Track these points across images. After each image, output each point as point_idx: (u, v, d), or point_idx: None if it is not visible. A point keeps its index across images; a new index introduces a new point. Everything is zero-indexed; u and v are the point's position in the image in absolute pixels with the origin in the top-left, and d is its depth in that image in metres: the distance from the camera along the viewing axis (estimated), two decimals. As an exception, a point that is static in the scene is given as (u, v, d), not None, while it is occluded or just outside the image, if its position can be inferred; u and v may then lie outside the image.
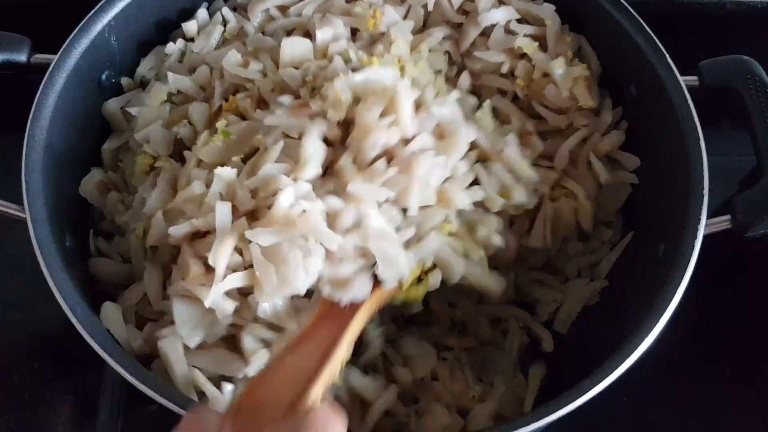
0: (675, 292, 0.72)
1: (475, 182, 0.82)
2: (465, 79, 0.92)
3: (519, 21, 0.92)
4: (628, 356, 0.69)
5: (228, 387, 0.73)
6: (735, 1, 1.06)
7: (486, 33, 0.92)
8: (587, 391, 0.67)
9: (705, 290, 0.76)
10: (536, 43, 0.90)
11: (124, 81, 0.93)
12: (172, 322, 0.73)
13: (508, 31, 0.92)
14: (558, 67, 0.88)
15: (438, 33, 0.92)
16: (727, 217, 0.78)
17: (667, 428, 0.91)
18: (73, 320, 0.70)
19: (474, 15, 0.91)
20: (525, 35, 0.91)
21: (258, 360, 0.73)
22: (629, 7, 0.88)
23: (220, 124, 0.81)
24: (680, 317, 0.72)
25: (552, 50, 0.91)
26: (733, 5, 1.06)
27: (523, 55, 0.91)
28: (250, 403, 0.59)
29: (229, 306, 0.72)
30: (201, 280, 0.72)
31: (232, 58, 0.88)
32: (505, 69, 0.91)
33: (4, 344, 0.94)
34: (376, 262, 0.72)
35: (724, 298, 0.97)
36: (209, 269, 0.72)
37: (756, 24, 1.08)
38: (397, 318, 0.87)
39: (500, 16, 0.91)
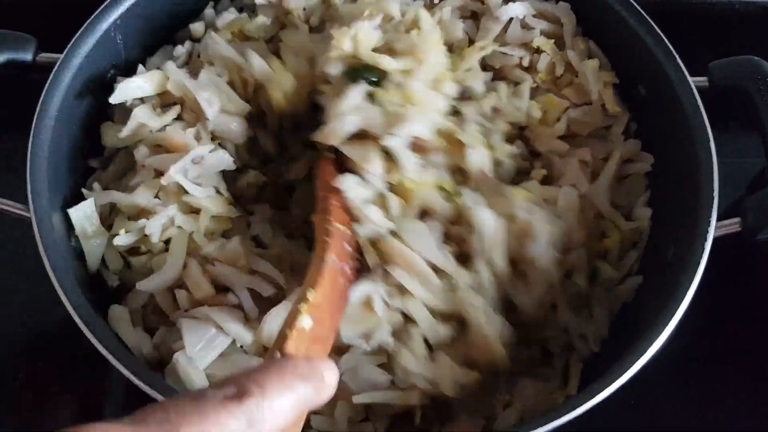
0: (685, 294, 0.72)
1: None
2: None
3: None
4: (638, 359, 0.69)
5: None
6: (744, 2, 1.06)
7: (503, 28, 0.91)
8: (597, 395, 0.67)
9: (713, 292, 0.76)
10: (552, 41, 0.90)
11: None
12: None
13: (524, 26, 0.91)
14: (591, 68, 0.87)
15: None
16: (737, 219, 0.78)
17: (674, 429, 0.90)
18: (78, 321, 0.69)
19: (490, 11, 0.91)
20: (540, 32, 0.91)
21: None
22: (638, 7, 0.88)
23: None
24: (688, 319, 0.72)
25: (569, 46, 0.91)
26: (742, 5, 1.06)
27: (540, 49, 0.91)
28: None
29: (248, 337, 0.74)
30: (212, 301, 0.73)
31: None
32: (525, 62, 0.90)
33: (8, 344, 0.93)
34: None
35: (732, 300, 0.96)
36: (219, 288, 0.75)
37: (765, 24, 1.07)
38: None
39: (519, 10, 0.90)
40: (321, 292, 0.64)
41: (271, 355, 0.58)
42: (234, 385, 0.46)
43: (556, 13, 0.92)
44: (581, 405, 0.67)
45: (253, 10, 0.95)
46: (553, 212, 0.79)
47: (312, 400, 0.50)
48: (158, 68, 0.86)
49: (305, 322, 0.60)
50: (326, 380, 0.51)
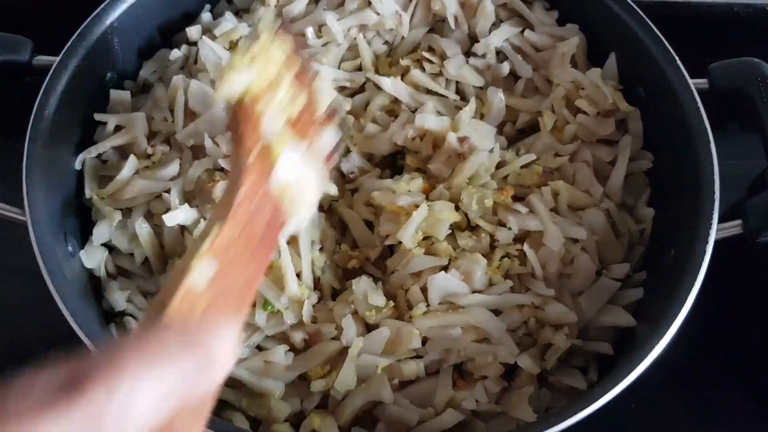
0: (686, 297, 0.71)
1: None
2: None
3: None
4: (639, 363, 0.68)
5: None
6: (743, 4, 1.06)
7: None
8: (597, 399, 0.66)
9: (714, 295, 0.75)
10: (549, 111, 0.90)
11: (127, 84, 0.92)
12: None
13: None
14: (597, 74, 0.88)
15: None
16: (738, 222, 0.77)
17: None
18: (73, 325, 0.69)
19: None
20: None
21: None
22: (638, 10, 0.88)
23: None
24: (689, 322, 0.71)
25: (582, 67, 0.91)
26: (741, 8, 1.06)
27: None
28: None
29: None
30: None
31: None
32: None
33: (4, 347, 0.93)
34: None
35: (733, 303, 0.96)
36: None
37: (764, 26, 1.07)
38: None
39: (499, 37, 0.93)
40: (230, 228, 0.49)
41: (144, 326, 0.44)
42: (67, 371, 0.34)
43: (565, 35, 0.92)
44: (581, 411, 0.66)
45: (248, 13, 0.95)
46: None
47: (192, 384, 0.37)
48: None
49: (202, 273, 0.46)
50: (212, 354, 0.38)
